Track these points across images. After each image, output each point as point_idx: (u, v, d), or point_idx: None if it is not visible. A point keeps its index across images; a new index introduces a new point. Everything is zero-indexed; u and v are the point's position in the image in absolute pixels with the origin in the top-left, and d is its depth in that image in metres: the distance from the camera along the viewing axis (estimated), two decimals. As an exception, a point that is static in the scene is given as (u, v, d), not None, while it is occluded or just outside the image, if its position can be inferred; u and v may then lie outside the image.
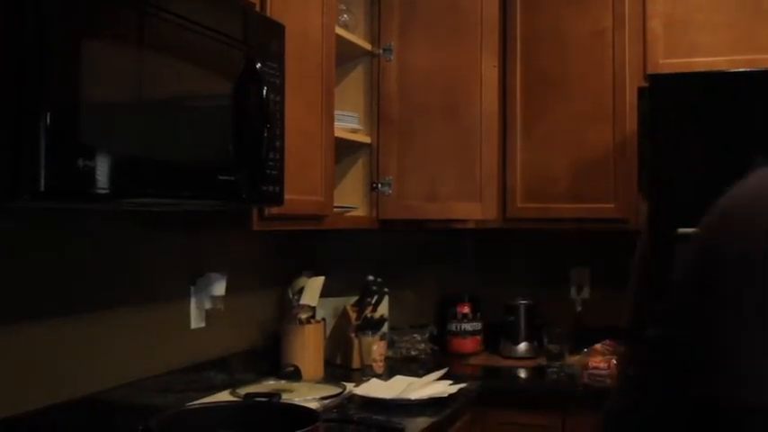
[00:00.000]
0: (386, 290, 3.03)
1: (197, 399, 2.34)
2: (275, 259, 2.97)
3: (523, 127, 3.15)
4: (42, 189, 1.31)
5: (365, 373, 2.84)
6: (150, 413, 1.99)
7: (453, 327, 3.29)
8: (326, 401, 2.36)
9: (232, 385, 2.49)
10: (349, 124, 2.87)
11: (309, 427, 1.78)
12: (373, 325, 2.97)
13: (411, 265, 3.47)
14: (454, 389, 2.56)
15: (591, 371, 2.72)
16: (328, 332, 3.01)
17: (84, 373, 2.04)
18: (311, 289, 2.80)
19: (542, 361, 3.08)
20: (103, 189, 1.42)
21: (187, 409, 2.06)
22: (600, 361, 2.73)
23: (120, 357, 2.17)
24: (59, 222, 1.95)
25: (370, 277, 3.03)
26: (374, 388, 2.54)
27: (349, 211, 2.91)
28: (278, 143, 1.99)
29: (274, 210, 2.16)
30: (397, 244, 3.44)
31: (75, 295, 2.03)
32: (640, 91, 2.93)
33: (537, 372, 3.00)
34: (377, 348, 2.91)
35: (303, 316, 2.79)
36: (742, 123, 2.69)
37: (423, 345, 3.26)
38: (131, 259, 2.22)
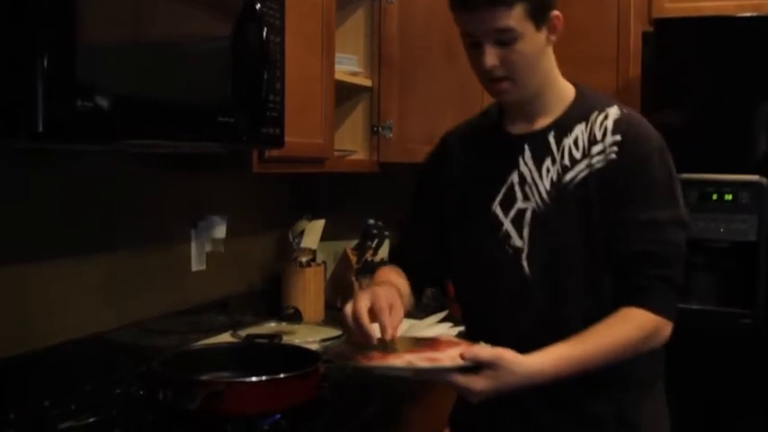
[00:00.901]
0: (386, 233, 3.03)
1: (198, 340, 2.35)
2: (275, 202, 2.96)
3: (526, 71, 3.11)
4: (40, 129, 1.30)
5: (365, 316, 2.85)
6: (152, 353, 2.01)
7: (453, 271, 3.29)
8: (327, 343, 2.37)
9: (233, 327, 2.51)
10: (349, 67, 2.84)
11: (310, 368, 1.80)
12: (373, 268, 2.97)
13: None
14: (454, 331, 2.57)
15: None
16: (328, 275, 3.02)
17: (85, 314, 2.05)
18: (311, 232, 2.80)
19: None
20: (101, 129, 1.41)
21: (189, 350, 2.08)
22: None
23: (121, 299, 2.18)
24: (59, 163, 1.95)
25: (371, 221, 3.03)
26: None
27: (349, 155, 2.90)
28: (278, 85, 1.97)
29: (274, 152, 2.15)
30: (397, 188, 3.42)
31: (75, 237, 2.03)
32: (645, 36, 2.90)
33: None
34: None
35: (303, 259, 2.79)
36: (748, 69, 2.66)
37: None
38: (132, 201, 2.22)
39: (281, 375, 1.72)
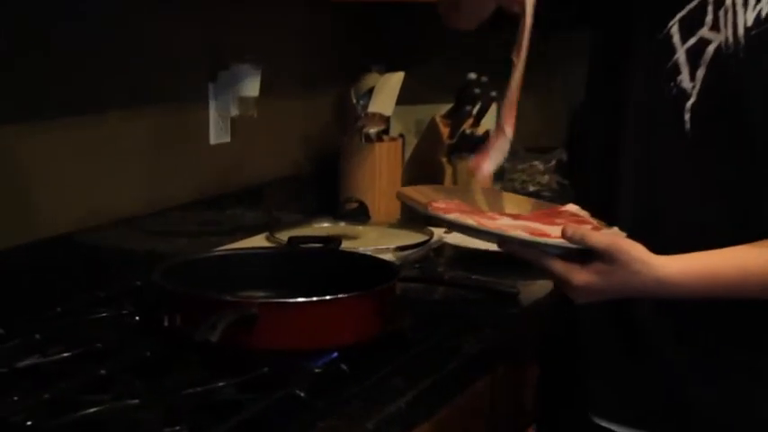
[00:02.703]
0: (493, 94, 2.99)
1: (219, 244, 2.38)
2: (333, 45, 2.95)
3: None
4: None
5: (461, 215, 2.84)
6: (152, 262, 2.02)
7: (592, 151, 3.26)
8: (405, 252, 2.38)
9: (269, 227, 2.53)
10: None
11: (381, 287, 1.80)
12: (474, 145, 2.95)
13: (532, 61, 3.41)
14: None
15: None
16: (408, 155, 3.02)
17: (61, 205, 2.09)
18: (384, 91, 2.79)
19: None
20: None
21: (206, 258, 2.10)
22: None
23: (106, 184, 2.21)
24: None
25: (472, 75, 2.99)
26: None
27: (442, -24, 2.84)
28: None
29: (332, -32, 2.12)
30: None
31: (42, 95, 2.04)
32: None
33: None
34: (479, 180, 2.90)
35: (372, 130, 2.78)
36: None
37: (546, 177, 3.24)
38: (123, 43, 2.22)
39: (340, 296, 1.72)
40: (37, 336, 1.76)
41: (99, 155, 2.17)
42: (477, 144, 2.96)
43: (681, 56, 1.64)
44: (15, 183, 2.00)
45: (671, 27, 1.65)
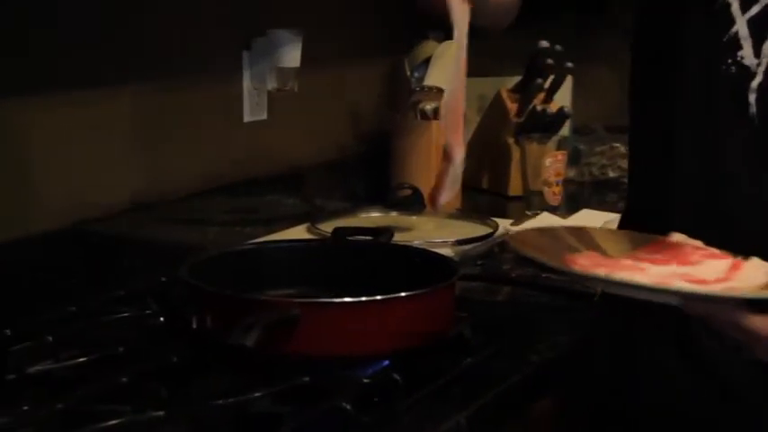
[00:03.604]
0: (569, 65, 2.99)
1: (254, 236, 2.39)
2: (384, 10, 2.95)
3: None
4: None
5: (531, 205, 2.85)
6: (178, 255, 2.04)
7: (681, 131, 3.25)
8: (466, 247, 2.39)
9: (311, 217, 2.54)
10: None
11: (440, 286, 1.80)
12: (546, 124, 2.95)
13: (613, 28, 3.40)
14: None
15: None
16: (469, 134, 3.02)
17: (74, 191, 2.11)
18: (443, 61, 2.79)
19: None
20: None
21: (238, 251, 2.10)
22: None
23: (129, 166, 2.23)
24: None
25: (544, 43, 2.99)
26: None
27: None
28: None
29: None
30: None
31: (48, 65, 2.06)
32: None
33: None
34: (551, 164, 2.90)
35: (428, 106, 2.78)
36: None
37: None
38: (143, 4, 2.23)
39: (392, 296, 1.72)
40: (49, 338, 1.76)
41: (116, 133, 2.19)
42: (550, 123, 2.97)
43: (741, 28, 1.62)
44: (19, 166, 2.02)
45: None
